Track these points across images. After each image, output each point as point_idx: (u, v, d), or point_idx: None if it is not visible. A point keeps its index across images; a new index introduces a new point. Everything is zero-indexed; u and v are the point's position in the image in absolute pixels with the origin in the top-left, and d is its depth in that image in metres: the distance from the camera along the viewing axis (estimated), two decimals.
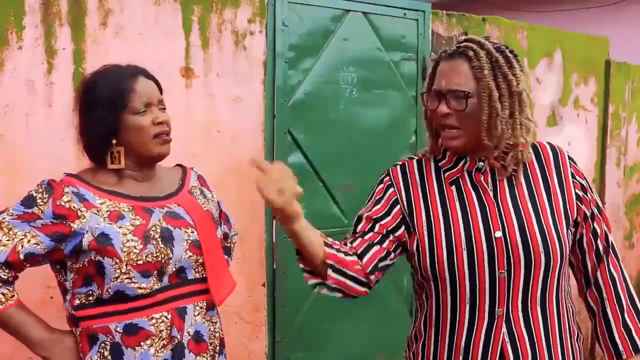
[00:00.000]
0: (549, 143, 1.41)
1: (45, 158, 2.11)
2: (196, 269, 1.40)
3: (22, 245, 1.27)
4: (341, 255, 1.33)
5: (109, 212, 1.31)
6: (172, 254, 1.34)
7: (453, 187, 1.36)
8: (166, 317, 1.32)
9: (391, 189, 1.41)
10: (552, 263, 1.29)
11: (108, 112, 1.34)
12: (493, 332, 1.29)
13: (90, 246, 1.28)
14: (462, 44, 1.32)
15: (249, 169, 2.54)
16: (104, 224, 1.29)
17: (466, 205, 1.33)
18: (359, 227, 1.41)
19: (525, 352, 1.29)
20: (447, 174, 1.38)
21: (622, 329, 1.33)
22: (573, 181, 1.36)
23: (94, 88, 1.37)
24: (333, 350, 2.87)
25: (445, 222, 1.33)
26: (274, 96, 2.61)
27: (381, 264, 1.37)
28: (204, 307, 1.40)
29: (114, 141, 1.36)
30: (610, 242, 1.38)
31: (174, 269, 1.35)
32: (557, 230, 1.30)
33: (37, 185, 1.32)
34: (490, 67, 1.28)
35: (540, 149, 1.39)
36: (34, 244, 1.28)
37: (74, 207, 1.30)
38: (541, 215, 1.31)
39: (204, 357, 1.38)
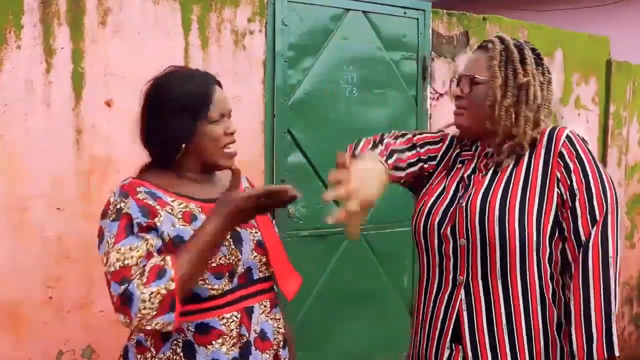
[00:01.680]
0: (554, 126, 1.38)
1: (44, 157, 2.11)
2: (260, 269, 1.42)
3: (152, 246, 1.25)
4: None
5: (182, 213, 1.31)
6: (241, 255, 1.36)
7: (462, 168, 1.46)
8: (236, 317, 1.34)
9: (439, 144, 1.54)
10: (508, 240, 1.28)
11: (187, 119, 1.34)
12: (453, 298, 1.36)
13: (167, 247, 1.27)
14: (487, 39, 1.44)
15: (249, 169, 2.54)
16: (179, 225, 1.29)
17: (460, 182, 1.43)
18: (399, 139, 1.53)
19: (481, 321, 1.31)
20: (462, 154, 1.49)
21: (586, 335, 1.24)
22: (558, 160, 1.31)
23: (171, 92, 1.36)
24: (333, 350, 2.87)
25: (436, 196, 1.44)
26: (274, 96, 2.61)
27: (396, 157, 1.46)
28: (268, 306, 1.43)
29: (184, 145, 1.36)
30: (596, 234, 1.25)
31: (243, 270, 1.37)
32: (523, 212, 1.29)
33: (112, 199, 1.30)
34: (502, 58, 1.37)
35: (540, 132, 1.38)
36: (155, 242, 1.25)
37: (151, 204, 1.29)
38: (510, 193, 1.32)
39: (267, 353, 1.40)
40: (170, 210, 1.30)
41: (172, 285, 1.19)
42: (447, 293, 1.37)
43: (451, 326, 1.35)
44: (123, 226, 1.25)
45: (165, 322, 1.20)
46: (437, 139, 1.56)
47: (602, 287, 1.24)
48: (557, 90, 3.63)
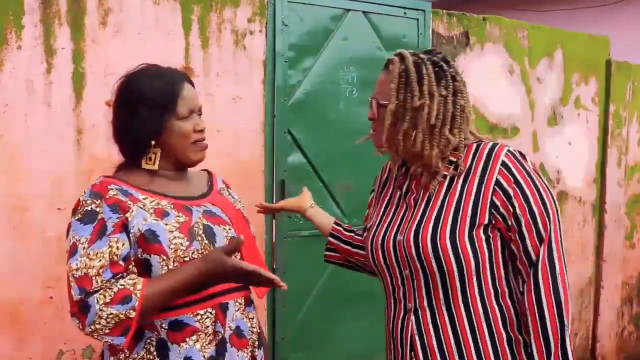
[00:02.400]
0: (494, 145, 1.38)
1: (44, 158, 2.11)
2: None
3: (116, 255, 1.26)
4: (342, 229, 1.72)
5: (153, 209, 1.32)
6: None
7: (398, 191, 1.50)
8: (210, 313, 1.34)
9: (373, 193, 1.64)
10: (446, 269, 1.33)
11: (155, 114, 1.35)
12: (405, 324, 1.43)
13: (138, 242, 1.28)
14: (390, 57, 1.45)
15: (249, 169, 2.55)
16: (151, 219, 1.29)
17: (397, 208, 1.47)
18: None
19: (432, 346, 1.38)
20: (398, 179, 1.52)
21: (542, 339, 1.31)
22: (494, 187, 1.33)
23: (140, 88, 1.37)
24: (333, 350, 2.87)
25: (377, 224, 1.49)
26: (274, 96, 2.61)
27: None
28: (242, 303, 1.42)
29: (153, 142, 1.37)
30: (543, 252, 1.31)
31: None
32: (454, 238, 1.32)
33: (82, 198, 1.31)
34: (400, 80, 1.38)
35: (479, 150, 1.38)
36: (122, 246, 1.27)
37: (122, 199, 1.30)
38: (441, 222, 1.34)
39: (244, 351, 1.40)
40: (142, 206, 1.31)
41: (132, 314, 1.22)
42: (400, 319, 1.44)
43: (408, 348, 1.43)
44: (96, 230, 1.27)
45: (114, 342, 1.24)
46: (371, 192, 1.66)
47: (554, 301, 1.30)
48: (557, 90, 3.63)
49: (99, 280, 1.24)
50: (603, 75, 3.85)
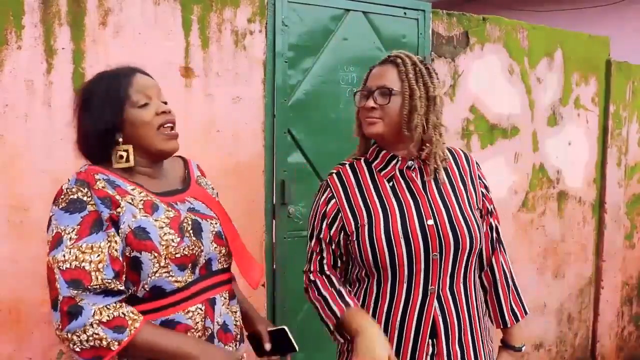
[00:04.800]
0: (461, 150, 1.67)
1: (44, 158, 2.11)
2: (219, 260, 1.41)
3: (115, 250, 1.21)
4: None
5: (143, 202, 1.28)
6: (203, 245, 1.35)
7: (388, 184, 1.55)
8: (200, 309, 1.33)
9: (332, 201, 1.57)
10: (473, 245, 1.52)
11: (108, 107, 1.31)
12: (426, 307, 1.49)
13: (127, 240, 1.24)
14: (392, 55, 1.58)
15: (249, 169, 2.55)
16: (140, 216, 1.26)
17: (400, 199, 1.53)
18: (318, 250, 1.69)
19: (453, 323, 1.51)
20: (382, 172, 1.57)
21: (510, 305, 1.66)
22: (479, 181, 1.63)
23: (90, 89, 1.36)
24: (333, 350, 2.86)
25: (384, 216, 1.50)
26: (274, 96, 2.61)
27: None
28: (227, 298, 1.42)
29: (120, 139, 1.33)
30: (500, 234, 1.69)
31: (204, 261, 1.36)
32: (475, 219, 1.54)
33: (66, 187, 1.26)
34: (414, 73, 1.52)
35: (456, 155, 1.64)
36: (117, 244, 1.22)
37: (111, 193, 1.25)
38: (463, 206, 1.54)
39: (230, 346, 1.40)
40: (130, 201, 1.27)
41: (114, 347, 1.18)
42: (418, 303, 1.49)
43: (427, 333, 1.49)
44: (88, 222, 1.21)
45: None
46: (325, 200, 1.58)
47: (511, 271, 1.70)
48: (557, 90, 3.63)
49: (100, 278, 1.19)
50: (603, 75, 3.85)
